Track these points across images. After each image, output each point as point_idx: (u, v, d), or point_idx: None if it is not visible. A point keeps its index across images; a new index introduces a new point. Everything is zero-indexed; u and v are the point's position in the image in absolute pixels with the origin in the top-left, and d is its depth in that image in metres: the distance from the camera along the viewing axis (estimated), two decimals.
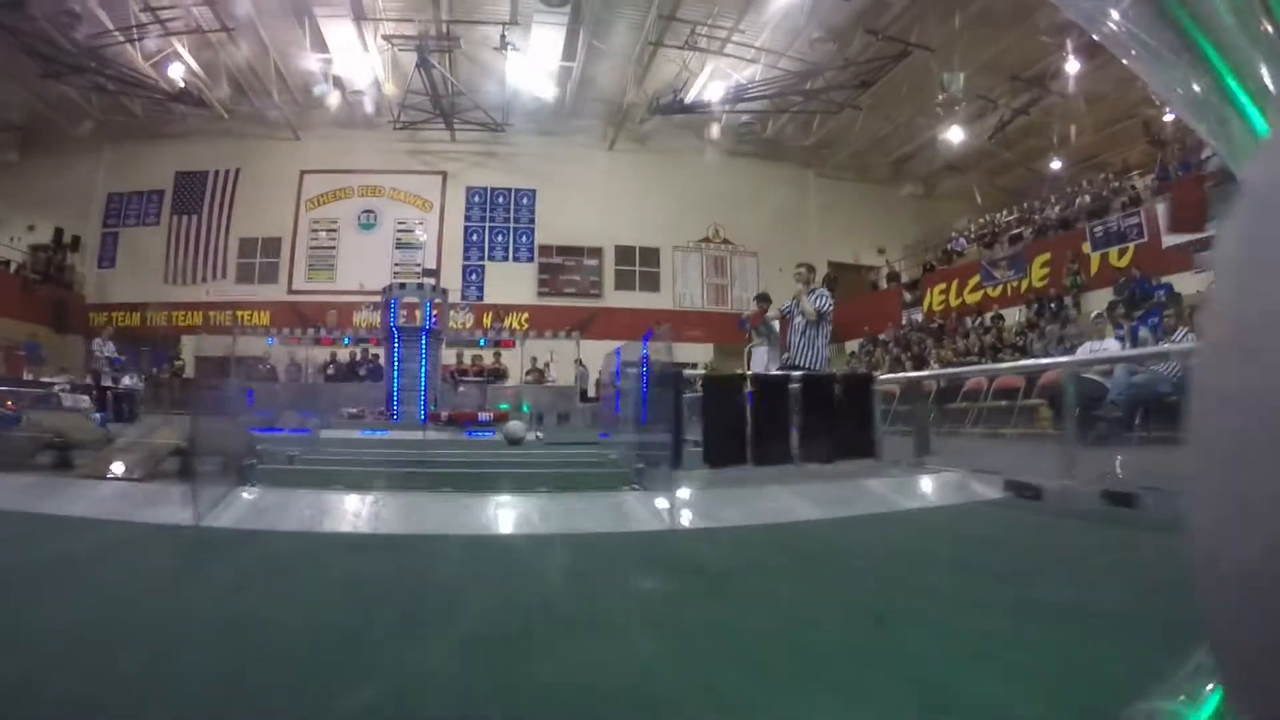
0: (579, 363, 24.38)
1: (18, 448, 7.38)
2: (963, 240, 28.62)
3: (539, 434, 14.31)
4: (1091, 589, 3.63)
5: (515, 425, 13.80)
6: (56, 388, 17.80)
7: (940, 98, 24.00)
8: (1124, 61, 1.27)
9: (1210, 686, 1.21)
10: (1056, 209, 24.54)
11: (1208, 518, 0.73)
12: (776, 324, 12.87)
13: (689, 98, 25.85)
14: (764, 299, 14.19)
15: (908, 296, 28.87)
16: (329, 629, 2.94)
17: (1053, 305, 21.17)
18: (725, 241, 31.71)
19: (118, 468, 6.67)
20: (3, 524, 5.39)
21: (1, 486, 6.31)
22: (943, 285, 27.33)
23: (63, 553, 4.64)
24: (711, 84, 25.29)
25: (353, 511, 5.66)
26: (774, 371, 12.11)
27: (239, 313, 29.20)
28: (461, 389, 21.99)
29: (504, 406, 20.44)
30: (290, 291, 30.36)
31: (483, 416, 17.74)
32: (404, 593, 3.79)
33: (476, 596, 3.63)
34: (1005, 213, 27.54)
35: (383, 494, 5.98)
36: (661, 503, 5.90)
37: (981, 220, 28.63)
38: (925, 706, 2.15)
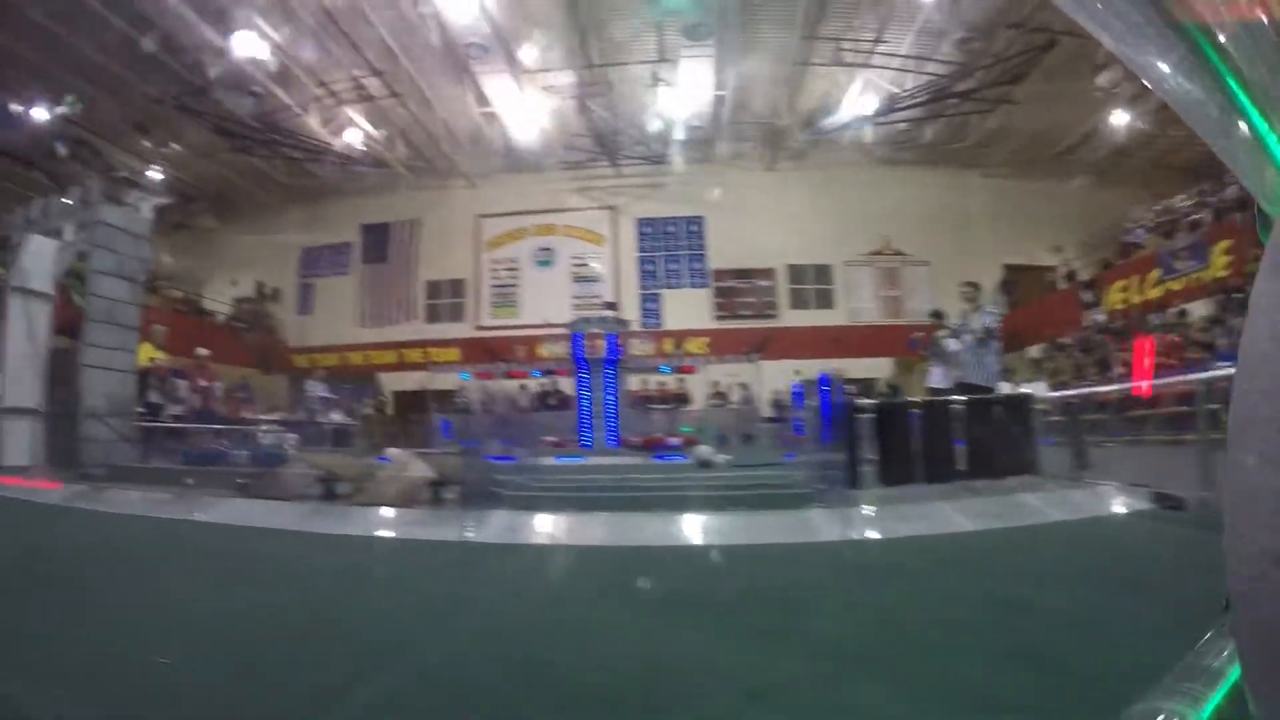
0: (744, 386, 24.59)
1: (288, 481, 8.05)
2: (1140, 231, 27.04)
3: (726, 456, 14.46)
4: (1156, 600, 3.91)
5: (705, 449, 14.23)
6: (264, 426, 18.72)
7: (1098, 80, 23.14)
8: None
9: (1210, 686, 1.25)
10: (1234, 187, 22.86)
11: (1239, 513, 0.80)
12: (952, 342, 12.60)
13: (842, 113, 26.07)
14: (936, 315, 14.24)
15: (1088, 296, 27.53)
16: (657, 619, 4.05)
17: (1237, 296, 19.54)
18: (896, 253, 31.25)
19: (386, 496, 7.29)
20: (312, 542, 6.14)
21: (290, 512, 7.08)
22: (1123, 282, 25.76)
23: (372, 562, 5.35)
24: (863, 96, 25.39)
25: (586, 527, 6.65)
26: (946, 388, 12.46)
27: (429, 350, 30.95)
28: (648, 415, 22.26)
29: (686, 430, 21.23)
30: (476, 328, 31.73)
31: (671, 441, 18.04)
32: (673, 592, 4.70)
33: (731, 591, 4.60)
34: (1183, 197, 25.76)
35: (607, 514, 6.94)
36: (845, 517, 6.26)
37: (1158, 207, 27.06)
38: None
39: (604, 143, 28.63)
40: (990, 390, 10.21)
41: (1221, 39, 0.95)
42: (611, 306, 22.69)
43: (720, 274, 31.37)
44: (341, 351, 32.11)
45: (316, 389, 21.77)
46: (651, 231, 31.89)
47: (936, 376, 13.77)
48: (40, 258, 11.88)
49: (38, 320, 11.77)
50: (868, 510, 6.93)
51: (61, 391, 11.11)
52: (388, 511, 7.14)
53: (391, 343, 32.21)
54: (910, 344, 15.74)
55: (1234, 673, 1.20)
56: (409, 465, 7.96)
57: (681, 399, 24.69)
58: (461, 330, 31.90)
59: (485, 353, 28.30)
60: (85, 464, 10.19)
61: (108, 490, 8.95)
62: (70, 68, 22.86)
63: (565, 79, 25.04)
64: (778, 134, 28.95)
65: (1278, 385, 0.77)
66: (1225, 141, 1.03)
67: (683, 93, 25.50)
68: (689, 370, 25.32)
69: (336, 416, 22.12)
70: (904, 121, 27.32)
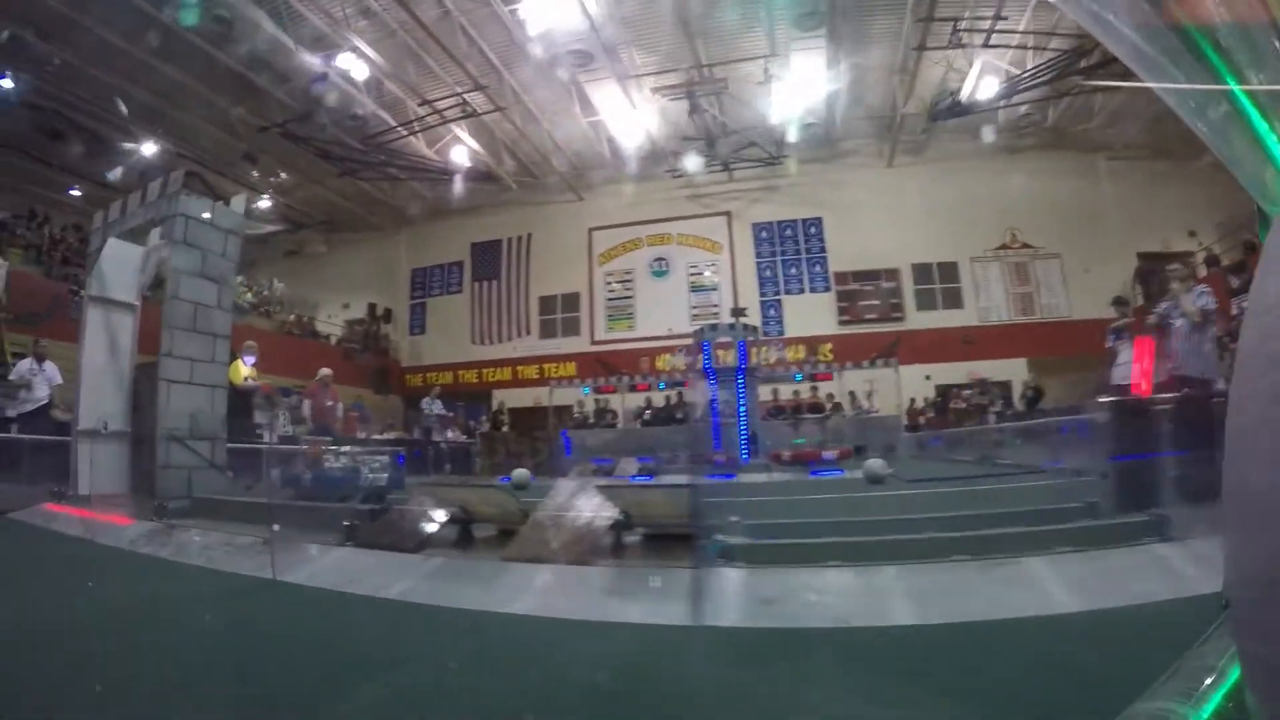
0: (863, 396, 22.15)
1: (410, 523, 5.75)
2: None
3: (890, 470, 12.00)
4: None
5: (876, 463, 11.85)
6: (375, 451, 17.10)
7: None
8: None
9: (1211, 686, 1.19)
10: None
11: (1239, 515, 0.79)
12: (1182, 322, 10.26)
13: (961, 99, 23.42)
14: (1120, 302, 13.09)
15: (1234, 281, 24.40)
16: None
17: None
18: (1024, 246, 28.32)
19: (552, 548, 4.90)
20: (448, 624, 4.13)
21: (414, 571, 4.81)
22: None
23: (552, 675, 3.31)
24: (984, 80, 22.65)
25: (822, 585, 4.33)
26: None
27: (545, 366, 29.88)
28: (791, 426, 19.85)
29: (799, 442, 19.07)
30: (593, 342, 30.34)
31: (827, 455, 15.46)
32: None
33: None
34: None
35: (853, 568, 4.49)
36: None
37: None
38: None
39: (716, 146, 26.59)
40: (1211, 383, 8.05)
41: (1221, 39, 0.96)
42: (740, 312, 20.40)
43: (842, 276, 28.94)
44: (454, 370, 31.28)
45: (433, 406, 20.50)
46: (768, 236, 29.71)
47: (1122, 371, 11.93)
48: (121, 264, 9.94)
49: (120, 333, 9.83)
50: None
51: (146, 412, 9.05)
52: (559, 572, 4.79)
53: (505, 359, 31.15)
54: (1109, 334, 13.36)
55: (1234, 673, 1.17)
56: (575, 497, 5.70)
57: (816, 408, 22.14)
58: (577, 345, 30.45)
59: (602, 366, 26.81)
60: (162, 495, 8.08)
61: (180, 530, 6.85)
62: (176, 102, 22.28)
63: (673, 80, 23.13)
64: (894, 127, 26.54)
65: (1277, 389, 0.72)
66: (1225, 142, 1.08)
67: (795, 88, 23.41)
68: (824, 378, 22.80)
69: (452, 434, 20.97)
70: (1026, 104, 24.97)
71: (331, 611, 4.29)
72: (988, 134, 25.79)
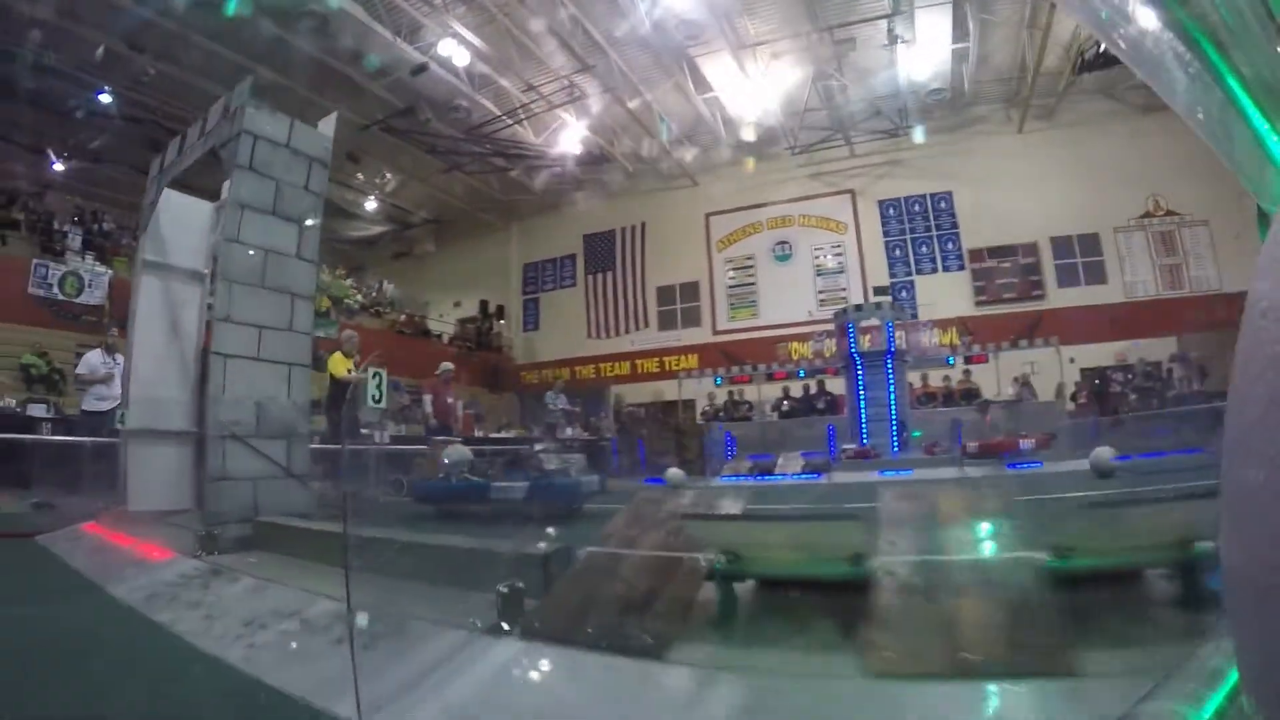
0: (1022, 380, 19.04)
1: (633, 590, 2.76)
2: None
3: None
4: None
5: (1104, 451, 9.42)
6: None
7: None
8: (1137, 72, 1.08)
9: (1210, 686, 1.13)
10: None
11: (1236, 518, 0.76)
12: None
13: (1095, 55, 20.46)
14: None
15: None
16: None
17: None
18: (1169, 213, 24.57)
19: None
20: None
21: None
22: None
23: None
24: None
25: None
26: None
27: (665, 359, 27.60)
28: (980, 412, 16.91)
29: (917, 434, 16.89)
30: (715, 332, 27.95)
31: (1024, 445, 12.49)
32: None
33: None
34: None
35: None
36: None
37: None
38: None
39: (838, 118, 24.05)
40: None
41: (1221, 39, 0.91)
42: (883, 291, 17.64)
43: (976, 254, 25.79)
44: (570, 365, 29.33)
45: (558, 401, 18.73)
46: (895, 213, 26.75)
47: None
48: (184, 222, 7.44)
49: (183, 309, 7.33)
50: None
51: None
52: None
53: (623, 353, 29.03)
54: None
55: (1233, 673, 1.11)
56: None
57: (972, 394, 19.00)
58: (699, 335, 28.18)
59: (725, 357, 24.36)
60: (213, 517, 5.43)
61: (225, 580, 4.16)
62: (275, 102, 20.05)
63: (792, 47, 20.66)
64: (1028, 89, 23.35)
65: (1276, 391, 0.71)
66: (1225, 141, 0.96)
67: (920, 50, 20.73)
68: (979, 360, 19.69)
69: (572, 431, 18.95)
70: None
71: None
72: (1125, 92, 22.88)
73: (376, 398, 8.27)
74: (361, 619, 2.86)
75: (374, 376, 8.49)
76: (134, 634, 3.53)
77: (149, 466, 6.70)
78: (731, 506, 4.02)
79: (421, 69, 19.44)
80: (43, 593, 4.65)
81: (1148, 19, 0.94)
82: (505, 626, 2.89)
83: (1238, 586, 0.76)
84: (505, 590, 2.95)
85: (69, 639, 3.48)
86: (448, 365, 13.72)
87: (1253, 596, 0.72)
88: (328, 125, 7.71)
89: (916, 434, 16.87)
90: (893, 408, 17.06)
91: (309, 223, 6.70)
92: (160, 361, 7.01)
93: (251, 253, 6.13)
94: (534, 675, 2.56)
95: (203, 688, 2.78)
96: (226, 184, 7.37)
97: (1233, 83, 0.89)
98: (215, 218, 7.64)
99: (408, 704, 2.40)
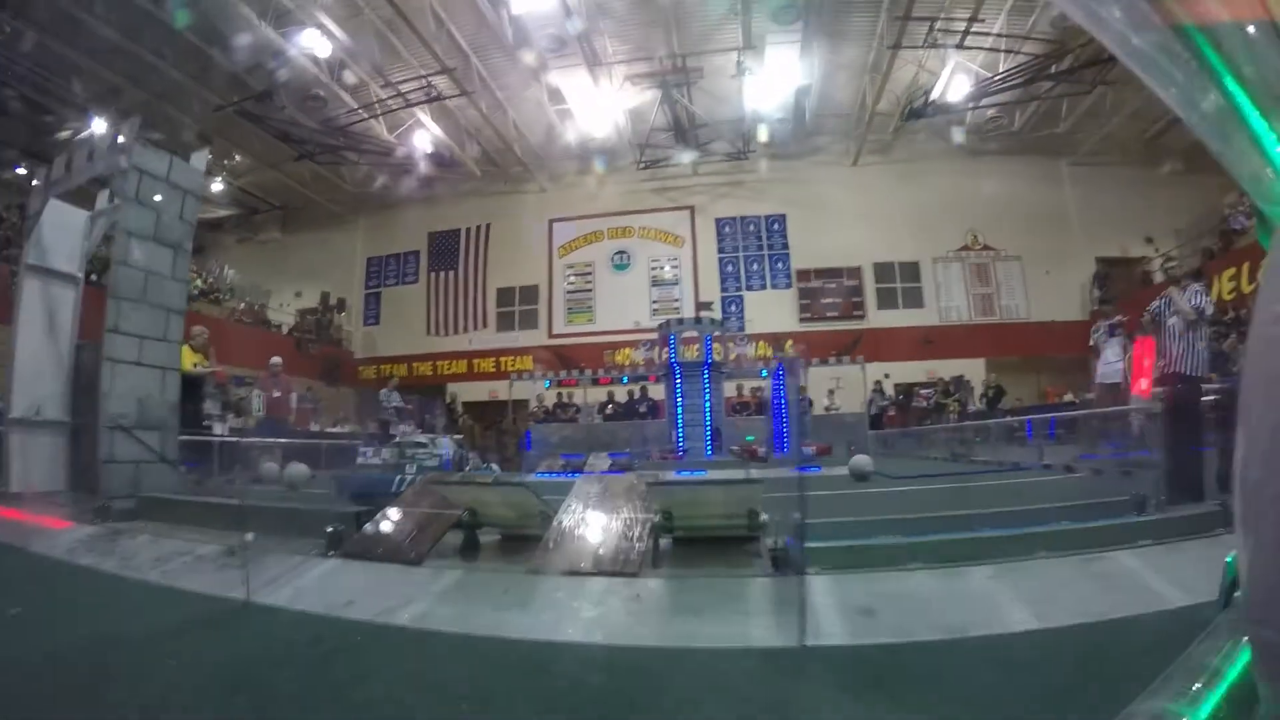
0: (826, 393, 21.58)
1: (400, 531, 4.75)
2: (1241, 218, 23.58)
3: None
4: None
5: (861, 459, 11.40)
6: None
7: None
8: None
9: (1209, 686, 1.22)
10: None
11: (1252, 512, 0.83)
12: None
13: (931, 100, 23.23)
14: (1106, 301, 13.21)
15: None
16: None
17: None
18: (985, 247, 28.08)
19: (590, 557, 4.00)
20: (493, 650, 3.27)
21: (420, 591, 3.83)
22: (1231, 270, 22.42)
23: None
24: (954, 82, 22.50)
25: (915, 591, 3.84)
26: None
27: (502, 359, 28.73)
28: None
29: (750, 439, 18.14)
30: (551, 336, 29.57)
31: (806, 450, 14.73)
32: None
33: None
34: None
35: (926, 570, 4.06)
36: None
37: None
38: None
39: (684, 139, 26.05)
40: (1203, 381, 7.77)
41: (1221, 39, 0.94)
42: (706, 306, 19.56)
43: (804, 274, 28.51)
44: (408, 362, 30.46)
45: (392, 398, 19.47)
46: (731, 231, 29.25)
47: (1111, 369, 12.76)
48: (64, 229, 8.72)
49: (59, 308, 8.62)
50: None
51: (87, 398, 7.86)
52: (605, 587, 3.84)
53: (461, 352, 30.20)
54: (1105, 330, 13.09)
55: (1232, 672, 1.21)
56: (605, 501, 4.76)
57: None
58: (535, 338, 29.60)
59: (559, 360, 25.74)
60: (106, 493, 6.92)
61: (127, 536, 5.74)
62: (128, 75, 21.08)
63: (646, 69, 22.52)
64: (863, 125, 26.02)
65: None
66: (1223, 143, 1.01)
67: (767, 83, 22.88)
68: None
69: (406, 428, 19.58)
70: (994, 107, 24.76)
71: (331, 645, 3.30)
72: (955, 135, 25.69)
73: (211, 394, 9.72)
74: (248, 537, 4.65)
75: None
76: (71, 573, 5.08)
77: (28, 452, 8.04)
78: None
79: (282, 55, 19.98)
80: None
81: (1146, 19, 0.98)
82: (332, 551, 4.79)
83: (1257, 575, 0.88)
84: (330, 530, 4.88)
85: (26, 576, 5.09)
86: (276, 360, 14.67)
87: (1272, 582, 0.82)
88: (199, 159, 9.12)
89: (750, 438, 18.33)
90: (707, 414, 18.83)
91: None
92: (39, 358, 8.33)
93: (136, 274, 7.69)
94: (353, 576, 4.39)
95: (138, 592, 4.45)
96: (101, 195, 8.80)
97: (1232, 83, 0.94)
98: (89, 226, 8.95)
99: (276, 592, 4.17)
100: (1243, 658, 1.25)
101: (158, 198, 8.09)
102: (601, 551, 4.25)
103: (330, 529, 4.84)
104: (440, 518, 4.93)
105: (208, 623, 3.75)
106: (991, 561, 3.99)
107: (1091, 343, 13.76)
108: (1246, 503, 0.91)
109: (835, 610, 3.44)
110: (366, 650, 3.22)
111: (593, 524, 4.64)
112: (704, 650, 3.09)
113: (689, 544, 4.71)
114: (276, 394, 14.28)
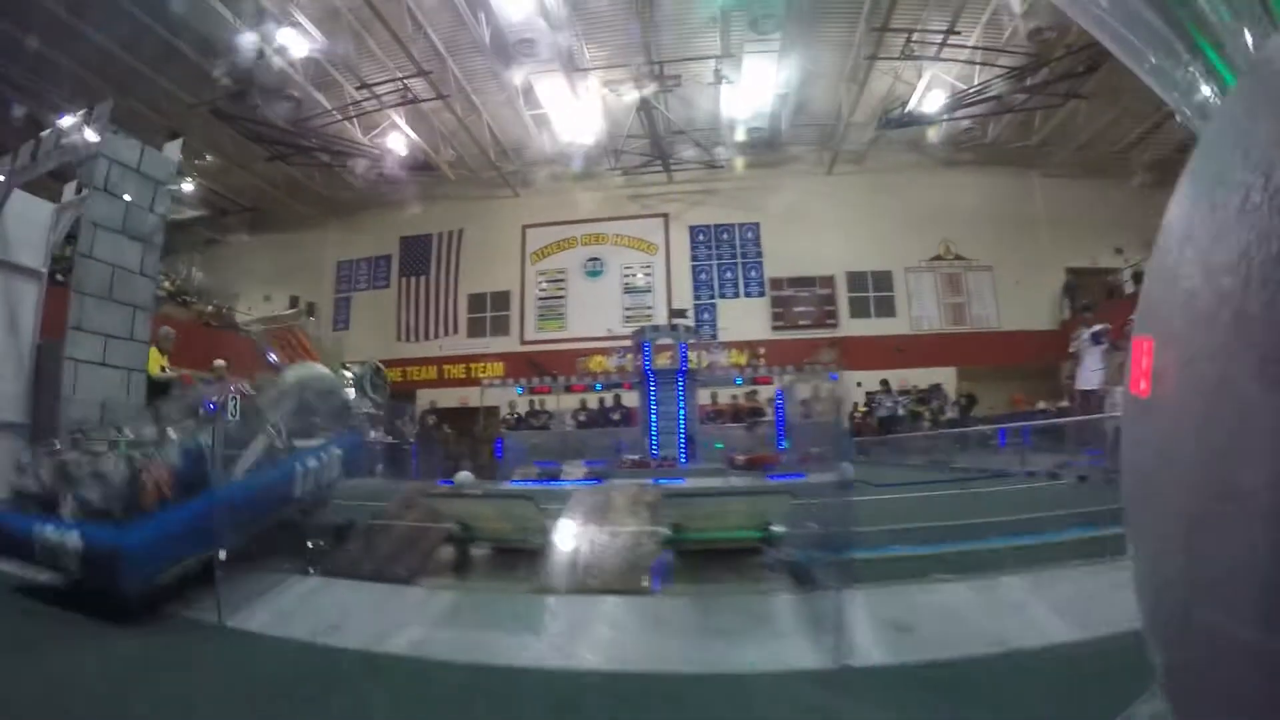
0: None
1: (389, 547, 4.43)
2: None
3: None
4: None
5: (844, 466, 10.73)
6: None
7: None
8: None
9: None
10: None
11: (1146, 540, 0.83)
12: None
13: (906, 111, 23.32)
14: (1087, 309, 13.43)
15: None
16: None
17: None
18: (958, 257, 28.14)
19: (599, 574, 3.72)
20: (502, 683, 2.90)
21: (415, 614, 3.46)
22: None
23: None
24: (930, 93, 22.55)
25: (950, 603, 3.62)
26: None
27: (473, 365, 28.69)
28: (746, 430, 18.91)
29: (720, 446, 18.21)
30: (523, 342, 29.29)
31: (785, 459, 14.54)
32: None
33: None
34: None
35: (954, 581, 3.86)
36: None
37: None
38: None
39: (661, 146, 25.98)
40: None
41: (1221, 38, 0.92)
42: (680, 314, 19.29)
43: (777, 282, 28.47)
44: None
45: (360, 405, 18.33)
46: (705, 239, 29.14)
47: (1093, 376, 12.60)
48: (27, 221, 8.28)
49: (20, 304, 8.17)
50: None
51: (49, 400, 7.42)
52: (621, 608, 3.51)
53: (432, 358, 29.82)
54: (1088, 338, 12.98)
55: None
56: (610, 513, 4.42)
57: (755, 413, 21.03)
58: (506, 344, 29.36)
59: (531, 367, 25.29)
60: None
61: None
62: (98, 71, 20.27)
63: (623, 76, 22.34)
64: (838, 135, 26.05)
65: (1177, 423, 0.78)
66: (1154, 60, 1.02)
67: (744, 91, 22.70)
68: (764, 381, 21.77)
69: (376, 434, 19.08)
70: (969, 119, 24.71)
71: (320, 679, 2.93)
72: (928, 146, 25.78)
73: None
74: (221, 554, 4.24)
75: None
76: (22, 597, 4.68)
77: None
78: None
79: (257, 54, 19.55)
80: None
81: (1145, 18, 0.96)
82: (311, 569, 4.42)
83: (1156, 599, 0.87)
84: (311, 546, 4.51)
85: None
86: (219, 362, 13.98)
87: (1173, 606, 0.81)
88: (173, 149, 8.72)
89: (719, 445, 18.30)
90: (681, 422, 18.56)
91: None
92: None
93: (102, 269, 7.25)
94: (338, 597, 4.02)
95: (108, 631, 4.04)
96: (68, 188, 8.36)
97: (1231, 82, 0.92)
98: (55, 219, 8.53)
99: (252, 616, 3.80)
100: None
101: (127, 197, 7.67)
102: (610, 567, 3.92)
103: (311, 545, 4.48)
104: (426, 534, 4.58)
105: (177, 649, 3.37)
106: (1017, 571, 3.86)
107: (1072, 349, 13.58)
108: (1131, 521, 0.92)
109: (868, 626, 3.17)
110: (359, 683, 2.87)
111: (597, 538, 4.30)
112: (739, 675, 2.79)
113: (693, 556, 4.42)
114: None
